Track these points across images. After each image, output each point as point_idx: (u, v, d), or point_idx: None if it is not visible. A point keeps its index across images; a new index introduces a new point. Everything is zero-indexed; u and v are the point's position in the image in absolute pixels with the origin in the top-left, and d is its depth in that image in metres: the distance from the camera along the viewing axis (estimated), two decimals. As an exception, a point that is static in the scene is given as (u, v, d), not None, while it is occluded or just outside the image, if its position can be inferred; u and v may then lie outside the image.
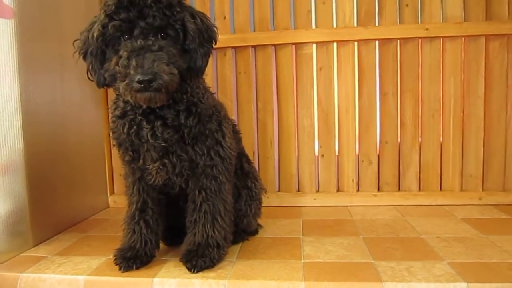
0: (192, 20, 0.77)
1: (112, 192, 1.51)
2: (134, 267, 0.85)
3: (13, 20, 0.98)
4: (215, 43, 0.84)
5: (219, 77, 1.42)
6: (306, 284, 0.77)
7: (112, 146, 0.91)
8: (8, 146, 0.98)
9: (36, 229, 1.05)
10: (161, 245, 0.96)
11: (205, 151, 0.85)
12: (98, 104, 1.40)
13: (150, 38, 0.73)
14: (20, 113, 1.00)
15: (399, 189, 1.39)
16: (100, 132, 1.42)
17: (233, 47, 1.40)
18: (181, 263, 0.86)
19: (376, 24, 1.34)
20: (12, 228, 0.98)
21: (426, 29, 1.30)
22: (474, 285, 0.74)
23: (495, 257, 0.87)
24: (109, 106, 0.88)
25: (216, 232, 0.87)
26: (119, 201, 1.49)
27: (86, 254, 0.98)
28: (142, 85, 0.70)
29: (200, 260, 0.83)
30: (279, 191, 1.43)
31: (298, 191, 1.43)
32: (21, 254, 0.99)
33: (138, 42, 0.72)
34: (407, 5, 1.33)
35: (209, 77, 1.37)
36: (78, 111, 1.27)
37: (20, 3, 0.99)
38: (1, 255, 0.95)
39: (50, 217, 1.12)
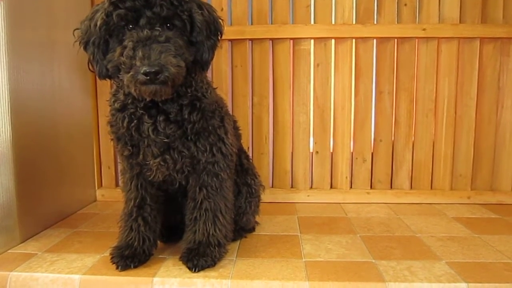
0: (199, 11, 0.75)
1: (100, 186, 1.46)
2: (132, 266, 0.82)
3: (2, 3, 0.92)
4: (221, 36, 0.81)
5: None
6: (310, 284, 0.77)
7: (110, 140, 0.86)
8: (-4, 137, 0.93)
9: (24, 224, 1.00)
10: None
11: (208, 148, 0.83)
12: (87, 93, 1.34)
13: (157, 28, 0.70)
14: (9, 103, 0.94)
15: (391, 187, 1.40)
16: (89, 123, 1.37)
17: (229, 40, 1.36)
18: (180, 262, 0.84)
19: (375, 22, 1.34)
20: (-1, 223, 0.93)
21: (424, 29, 1.31)
22: (475, 285, 0.76)
23: (491, 257, 0.89)
24: (108, 99, 0.84)
25: (217, 230, 0.85)
26: (107, 195, 1.45)
27: (78, 251, 0.94)
28: (148, 77, 0.67)
29: (201, 259, 0.81)
30: (272, 187, 1.42)
31: (292, 187, 1.42)
32: (9, 251, 0.94)
33: (145, 32, 0.68)
34: (405, 5, 1.33)
35: (204, 70, 1.34)
36: (67, 101, 1.21)
37: (10, -15, 0.93)
38: (-13, 252, 0.90)
39: (38, 211, 1.07)
